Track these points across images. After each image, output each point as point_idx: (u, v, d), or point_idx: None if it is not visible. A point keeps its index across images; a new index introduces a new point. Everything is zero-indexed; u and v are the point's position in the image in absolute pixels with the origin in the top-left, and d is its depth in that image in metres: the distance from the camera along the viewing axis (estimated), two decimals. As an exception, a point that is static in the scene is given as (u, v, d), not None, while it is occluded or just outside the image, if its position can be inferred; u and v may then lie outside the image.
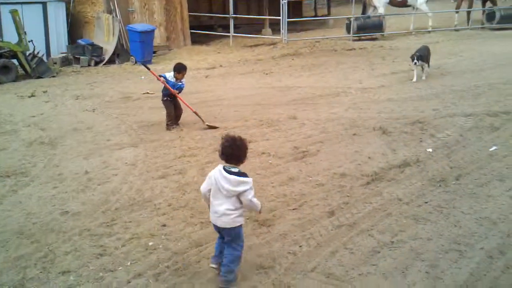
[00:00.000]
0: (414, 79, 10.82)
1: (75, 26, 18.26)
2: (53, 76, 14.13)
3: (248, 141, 7.13)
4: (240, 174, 3.64)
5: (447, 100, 9.13)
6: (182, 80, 8.17)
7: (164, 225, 4.78)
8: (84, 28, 18.24)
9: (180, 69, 8.10)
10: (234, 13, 20.12)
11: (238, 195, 3.61)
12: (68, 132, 8.32)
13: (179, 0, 18.62)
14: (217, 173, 3.66)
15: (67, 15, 17.52)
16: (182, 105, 8.33)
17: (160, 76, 8.13)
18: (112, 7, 16.49)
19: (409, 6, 20.12)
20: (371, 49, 16.31)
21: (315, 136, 7.42)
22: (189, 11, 19.19)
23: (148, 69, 8.81)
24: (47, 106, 10.26)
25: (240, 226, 3.75)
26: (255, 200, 3.68)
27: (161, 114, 9.09)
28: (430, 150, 6.55)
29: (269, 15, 21.35)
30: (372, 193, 5.30)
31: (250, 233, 4.54)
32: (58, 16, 16.85)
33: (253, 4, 25.72)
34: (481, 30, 19.82)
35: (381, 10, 19.68)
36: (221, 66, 14.90)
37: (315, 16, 27.25)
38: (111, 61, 16.12)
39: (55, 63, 15.69)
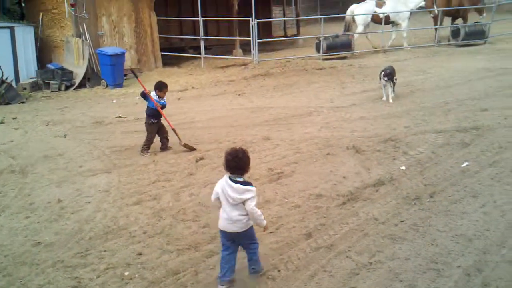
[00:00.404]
0: (384, 98, 10.90)
1: (44, 51, 18.06)
2: (23, 102, 13.91)
3: (223, 164, 7.17)
4: (245, 183, 3.93)
5: (418, 117, 9.26)
6: (164, 98, 8.15)
7: (140, 254, 4.71)
8: (53, 53, 18.06)
9: (161, 87, 8.09)
10: (205, 34, 20.20)
11: (243, 203, 3.88)
12: (39, 159, 8.16)
13: (149, 22, 18.62)
14: (224, 183, 3.96)
15: (36, 39, 17.33)
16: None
17: (142, 92, 8.15)
18: (81, 31, 16.38)
19: (391, 22, 20.56)
20: (341, 68, 16.51)
21: (289, 157, 7.44)
22: (159, 34, 19.20)
23: (137, 77, 8.86)
24: (17, 133, 10.07)
25: (251, 227, 4.03)
26: (257, 209, 3.92)
27: (134, 138, 9.04)
28: (404, 168, 6.62)
29: (239, 36, 21.48)
30: (348, 214, 5.32)
31: (228, 258, 4.49)
32: (26, 41, 16.64)
33: (223, 25, 25.87)
34: (447, 46, 20.26)
35: (360, 28, 20.15)
36: (193, 87, 14.88)
37: (285, 36, 27.52)
38: (81, 85, 15.98)
39: (25, 88, 15.45)
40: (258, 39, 18.28)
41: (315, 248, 4.61)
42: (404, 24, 20.41)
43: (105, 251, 4.81)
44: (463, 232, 4.71)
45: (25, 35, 16.66)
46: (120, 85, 15.68)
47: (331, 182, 6.31)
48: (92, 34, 16.72)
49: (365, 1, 20.88)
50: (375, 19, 20.35)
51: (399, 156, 7.11)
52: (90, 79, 16.19)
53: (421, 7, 20.68)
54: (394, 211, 5.28)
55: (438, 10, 20.77)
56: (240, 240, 4.05)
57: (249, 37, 18.43)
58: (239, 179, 3.93)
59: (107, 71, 15.59)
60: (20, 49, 16.43)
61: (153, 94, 8.04)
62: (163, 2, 22.64)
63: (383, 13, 19.95)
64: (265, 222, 4.04)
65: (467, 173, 6.26)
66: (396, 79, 10.80)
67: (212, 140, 8.73)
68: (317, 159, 7.27)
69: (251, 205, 3.86)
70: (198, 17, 19.77)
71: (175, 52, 20.66)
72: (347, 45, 19.05)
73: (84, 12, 16.47)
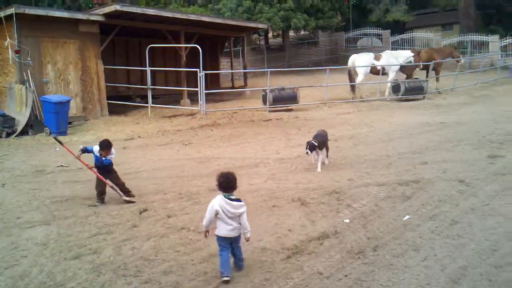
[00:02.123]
0: (319, 169, 9.55)
1: (-15, 97, 17.58)
2: (-41, 149, 13.38)
3: (167, 216, 7.07)
4: (238, 200, 5.16)
5: (361, 169, 9.45)
6: (107, 156, 7.94)
7: (77, 312, 4.50)
8: (-5, 99, 17.60)
9: (102, 147, 7.89)
10: (152, 84, 20.20)
11: (238, 216, 5.09)
12: (-27, 210, 7.80)
13: (96, 70, 18.51)
14: (221, 202, 5.10)
15: (-23, 85, 16.88)
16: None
17: (85, 148, 7.95)
18: (25, 78, 16.08)
19: (385, 74, 22.08)
20: (287, 119, 16.80)
21: (235, 209, 7.38)
22: (106, 82, 19.08)
23: (61, 143, 8.44)
24: (-50, 182, 9.62)
25: (241, 233, 5.22)
26: (247, 222, 5.19)
27: (76, 188, 8.84)
28: (347, 220, 6.69)
29: (187, 86, 21.61)
30: (293, 268, 5.29)
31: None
32: (-34, 86, 16.20)
33: (172, 75, 26.00)
34: (389, 101, 21.04)
35: (360, 77, 21.33)
36: (139, 137, 14.75)
37: (233, 87, 27.89)
38: (24, 132, 15.58)
39: (-38, 135, 14.92)
40: (205, 89, 18.44)
41: (259, 304, 4.54)
42: (391, 75, 21.89)
43: (39, 309, 4.57)
44: (405, 286, 4.75)
45: (-34, 80, 16.21)
46: (64, 133, 15.35)
47: (276, 235, 6.30)
48: (37, 81, 16.45)
49: (365, 53, 22.88)
50: (373, 70, 21.78)
51: (343, 209, 7.19)
52: (33, 126, 15.81)
53: (409, 62, 22.10)
54: (338, 265, 5.30)
55: (422, 64, 22.60)
56: (234, 243, 5.19)
57: (197, 87, 18.56)
58: (232, 197, 5.13)
59: (51, 119, 15.27)
60: (-40, 94, 15.96)
61: (97, 149, 7.87)
62: (111, 51, 22.63)
63: (380, 65, 21.60)
64: (249, 233, 5.21)
65: (409, 226, 6.39)
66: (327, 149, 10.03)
67: (158, 190, 8.60)
68: (262, 211, 7.26)
69: (244, 217, 5.14)
70: (145, 66, 19.81)
71: (122, 100, 20.51)
72: (292, 98, 19.46)
73: (29, 59, 16.23)
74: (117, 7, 18.03)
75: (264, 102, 19.37)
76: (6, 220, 7.29)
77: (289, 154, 11.13)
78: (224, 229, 5.11)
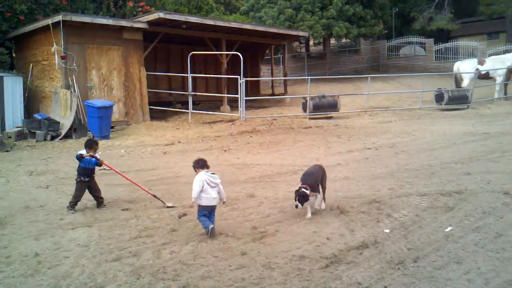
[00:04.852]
0: (308, 215, 7.30)
1: (33, 101, 18.15)
2: (7, 151, 13.81)
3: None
4: (214, 173, 6.54)
5: (402, 179, 9.29)
6: (96, 155, 8.06)
7: (117, 314, 4.55)
8: (41, 103, 18.14)
9: (91, 145, 8.04)
10: (193, 90, 20.43)
11: (217, 185, 6.48)
12: (19, 210, 8.02)
13: (139, 76, 18.84)
14: (207, 176, 6.40)
15: (24, 89, 17.42)
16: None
17: (78, 155, 8.00)
18: (70, 83, 16.50)
19: (490, 78, 22.97)
20: (327, 127, 16.70)
21: (273, 216, 7.37)
22: (148, 88, 19.40)
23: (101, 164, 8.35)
24: (-2, 183, 9.93)
25: None
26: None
27: (118, 191, 8.97)
28: (387, 230, 6.57)
29: (227, 93, 21.76)
30: (331, 277, 5.22)
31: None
32: (15, 90, 16.74)
33: (212, 81, 26.24)
34: (431, 110, 20.67)
35: (466, 82, 22.30)
36: (179, 142, 14.92)
37: (273, 94, 27.94)
38: (68, 136, 15.97)
39: (10, 137, 15.38)
40: (245, 96, 18.52)
41: (297, 312, 4.49)
42: (499, 79, 22.58)
43: (80, 309, 4.65)
44: (447, 299, 4.63)
45: (14, 84, 16.76)
46: (106, 137, 15.68)
47: (315, 243, 6.24)
48: (81, 86, 16.87)
49: (469, 59, 24.31)
50: (479, 75, 22.56)
51: (383, 219, 7.07)
52: (76, 130, 16.20)
53: None
54: (378, 276, 5.20)
55: None
56: (212, 212, 6.57)
57: (237, 94, 18.66)
58: (211, 173, 6.50)
59: (94, 123, 15.62)
60: (8, 98, 16.50)
61: (84, 152, 7.96)
62: (153, 57, 23.02)
63: (484, 70, 22.39)
64: (225, 199, 6.85)
65: (451, 238, 6.23)
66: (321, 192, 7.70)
67: (196, 196, 8.65)
68: (301, 218, 7.21)
69: (221, 186, 6.57)
70: (187, 73, 20.05)
71: (163, 106, 20.85)
72: (333, 106, 19.36)
73: (74, 64, 16.66)
74: (161, 14, 18.33)
75: (304, 109, 19.33)
76: (50, 221, 7.46)
77: (328, 162, 11.03)
78: (207, 199, 6.40)
